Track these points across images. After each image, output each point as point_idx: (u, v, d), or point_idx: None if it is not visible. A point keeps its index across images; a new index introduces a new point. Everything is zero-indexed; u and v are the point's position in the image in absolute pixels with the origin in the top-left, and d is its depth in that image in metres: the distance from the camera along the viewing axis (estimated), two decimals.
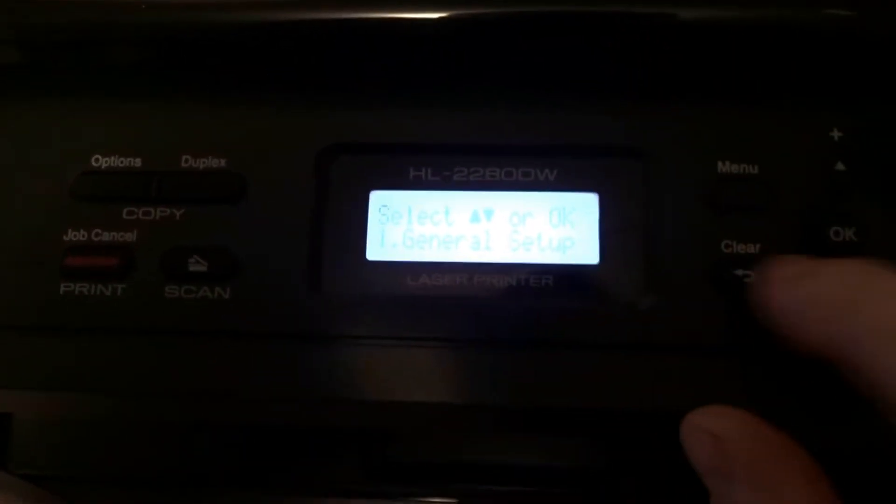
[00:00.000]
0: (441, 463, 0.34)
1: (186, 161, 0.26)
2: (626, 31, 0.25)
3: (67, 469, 0.35)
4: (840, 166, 0.24)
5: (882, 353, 0.18)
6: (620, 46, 0.26)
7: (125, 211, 0.26)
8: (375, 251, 0.26)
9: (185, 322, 0.25)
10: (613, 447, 0.34)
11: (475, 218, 0.26)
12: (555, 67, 0.26)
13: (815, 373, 0.21)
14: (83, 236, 0.26)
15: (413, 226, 0.26)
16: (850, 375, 0.19)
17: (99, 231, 0.26)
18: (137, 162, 0.26)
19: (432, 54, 0.26)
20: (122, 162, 0.26)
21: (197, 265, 0.25)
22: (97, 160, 0.26)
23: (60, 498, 0.38)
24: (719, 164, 0.25)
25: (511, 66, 0.26)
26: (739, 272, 0.24)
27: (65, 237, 0.26)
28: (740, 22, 0.24)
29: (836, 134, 0.25)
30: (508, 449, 0.35)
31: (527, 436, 0.33)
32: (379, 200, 0.26)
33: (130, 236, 0.26)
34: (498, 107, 0.26)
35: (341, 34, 0.25)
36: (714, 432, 0.20)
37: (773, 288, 0.21)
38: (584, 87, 0.26)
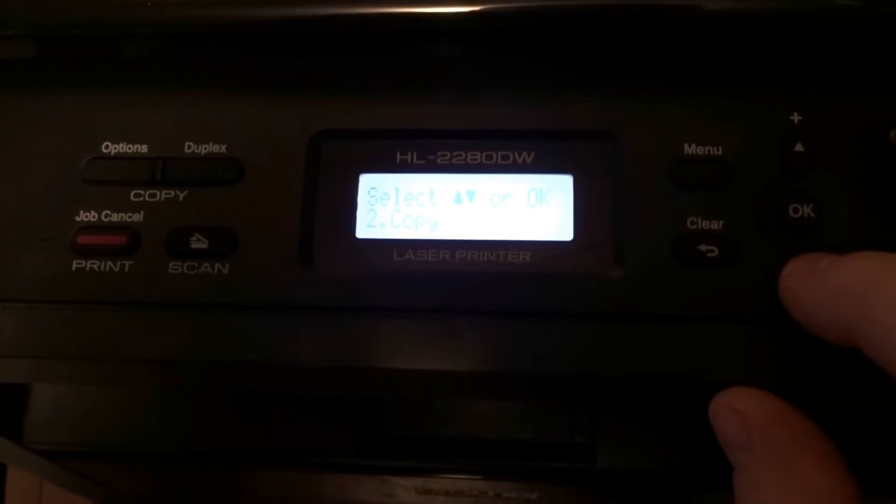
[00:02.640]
0: (433, 437, 0.35)
1: (189, 147, 0.28)
2: (609, 23, 0.27)
3: (82, 445, 0.37)
4: (799, 147, 0.26)
5: None
6: (599, 39, 0.27)
7: (132, 193, 0.28)
8: (364, 230, 0.27)
9: (187, 295, 0.27)
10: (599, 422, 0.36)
11: (458, 199, 0.27)
12: (533, 58, 0.28)
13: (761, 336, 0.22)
14: (93, 217, 0.28)
15: (400, 206, 0.27)
16: (873, 355, 0.20)
17: (108, 212, 0.28)
18: (144, 148, 0.28)
19: (419, 47, 0.28)
20: (129, 148, 0.28)
21: (198, 243, 0.27)
22: (107, 146, 0.28)
23: (74, 473, 0.40)
24: (685, 146, 0.26)
25: (492, 58, 0.28)
26: (703, 247, 0.25)
27: (76, 217, 0.28)
28: (737, 14, 0.26)
29: (795, 117, 0.26)
30: (502, 424, 0.36)
31: (515, 410, 0.35)
32: (368, 183, 0.28)
33: (137, 217, 0.27)
34: (479, 95, 0.28)
35: (333, 29, 0.27)
36: (740, 410, 0.22)
37: (800, 280, 0.23)
38: (559, 75, 0.28)
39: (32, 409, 0.37)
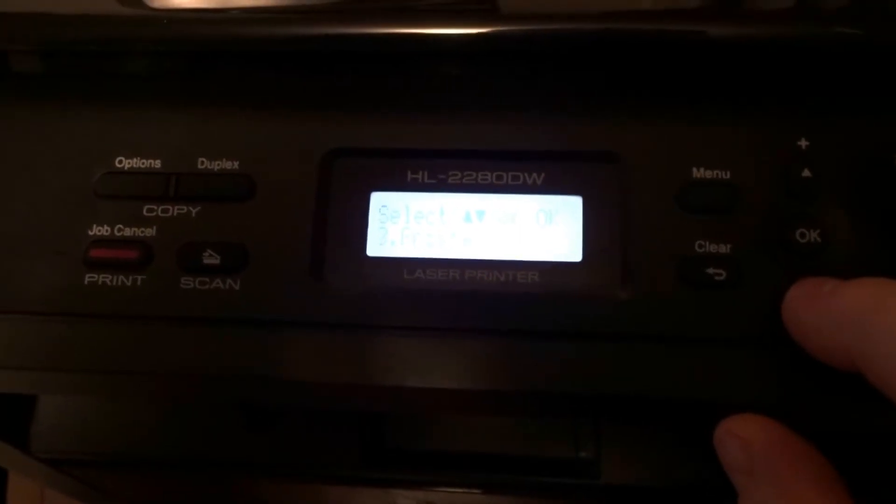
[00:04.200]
0: (436, 450, 0.36)
1: (202, 163, 0.28)
2: (616, 48, 0.27)
3: (87, 453, 0.38)
4: (806, 173, 0.26)
5: None
6: (607, 62, 0.28)
7: (145, 208, 0.28)
8: (375, 247, 0.28)
9: (198, 310, 0.27)
10: (603, 438, 0.36)
11: (467, 218, 0.28)
12: (543, 80, 0.28)
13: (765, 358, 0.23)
14: (107, 231, 0.28)
15: (410, 224, 0.28)
16: (874, 380, 0.21)
17: (121, 226, 0.28)
18: (157, 163, 0.28)
19: (430, 68, 0.28)
20: (143, 163, 0.28)
21: (210, 258, 0.27)
22: (120, 161, 0.28)
23: (79, 481, 0.40)
24: (693, 169, 0.27)
25: (503, 79, 0.28)
26: (710, 270, 0.26)
27: (90, 231, 0.28)
28: (738, 39, 0.26)
29: (803, 143, 0.27)
30: (506, 438, 0.36)
31: (519, 425, 0.35)
32: (379, 201, 0.28)
33: (150, 231, 0.28)
34: (489, 115, 0.28)
35: (345, 49, 0.27)
36: (742, 436, 0.23)
37: (803, 304, 0.24)
38: (569, 97, 0.28)
39: (38, 417, 0.37)
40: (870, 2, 0.29)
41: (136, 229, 0.28)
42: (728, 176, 0.26)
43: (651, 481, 0.36)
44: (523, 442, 0.36)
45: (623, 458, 0.36)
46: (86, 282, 0.27)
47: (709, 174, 0.26)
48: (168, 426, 0.37)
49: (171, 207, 0.28)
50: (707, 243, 0.26)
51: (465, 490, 0.39)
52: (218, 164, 0.28)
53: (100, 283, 0.27)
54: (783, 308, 0.25)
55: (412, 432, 0.36)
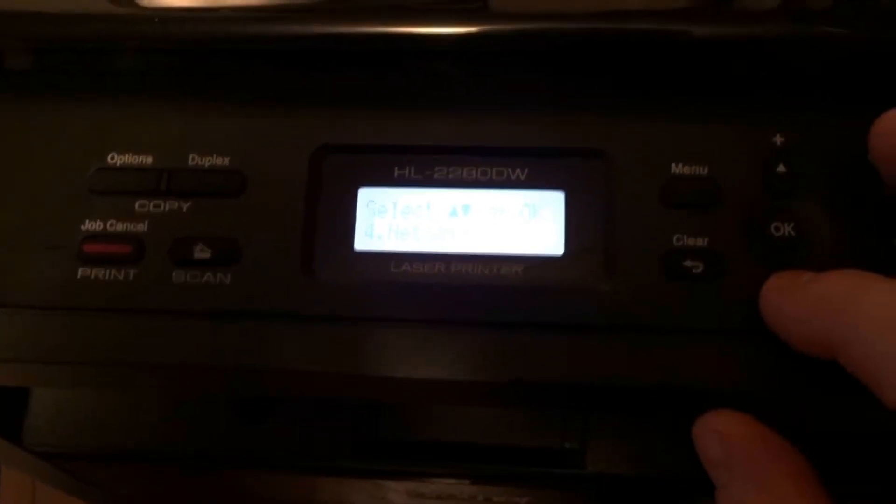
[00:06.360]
0: (425, 442, 0.36)
1: (193, 159, 0.29)
2: (602, 47, 0.28)
3: (80, 447, 0.38)
4: (782, 168, 0.27)
5: (876, 340, 0.20)
6: (592, 60, 0.29)
7: (137, 203, 0.28)
8: (363, 242, 0.28)
9: (190, 304, 0.27)
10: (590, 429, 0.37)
11: (454, 213, 0.28)
12: (528, 78, 0.29)
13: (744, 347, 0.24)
14: (99, 226, 0.28)
15: (397, 219, 0.28)
16: (851, 368, 0.21)
17: (113, 221, 0.28)
18: (149, 160, 0.29)
19: (417, 65, 0.29)
20: (135, 159, 0.29)
21: (201, 253, 0.28)
22: (112, 157, 0.29)
23: (72, 476, 0.40)
24: (673, 165, 0.27)
25: (488, 77, 0.29)
26: (688, 262, 0.26)
27: (83, 226, 0.28)
28: (724, 39, 0.27)
29: (778, 139, 0.27)
30: (493, 429, 0.37)
31: (506, 415, 0.36)
32: (367, 196, 0.29)
33: (142, 226, 0.28)
34: (475, 112, 0.29)
35: (333, 47, 0.28)
36: (721, 431, 0.24)
37: (780, 295, 0.24)
38: (553, 94, 0.29)
39: (31, 410, 0.37)
40: (847, 2, 0.30)
41: (128, 224, 0.28)
42: (706, 171, 0.27)
43: (637, 471, 0.37)
44: (511, 432, 0.36)
45: (609, 448, 0.37)
46: (79, 276, 0.28)
47: (688, 170, 0.27)
48: (160, 419, 0.37)
49: (162, 203, 0.28)
50: (686, 237, 0.27)
51: (455, 481, 0.40)
52: (208, 160, 0.29)
53: (93, 277, 0.28)
54: (761, 298, 0.25)
55: (402, 424, 0.37)
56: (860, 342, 0.21)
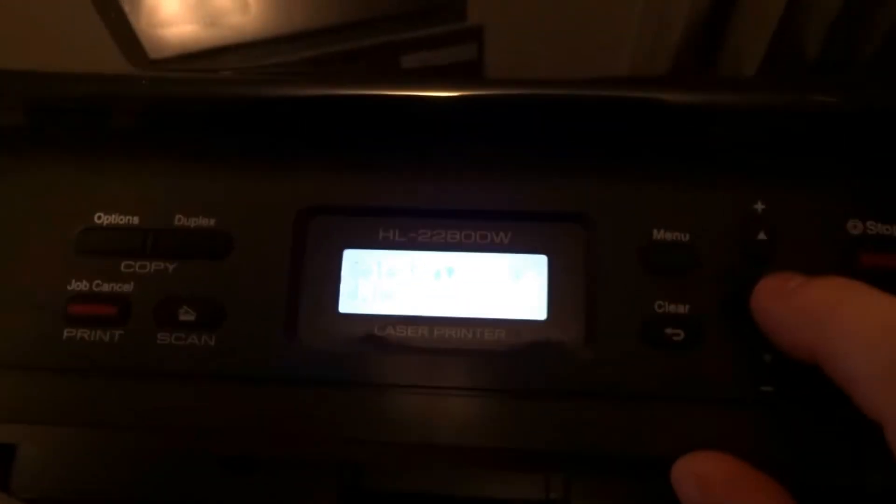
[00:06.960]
0: (410, 493, 0.36)
1: (179, 220, 0.29)
2: (579, 113, 0.28)
3: (69, 494, 0.38)
4: (762, 235, 0.27)
5: (854, 353, 0.21)
6: (582, 127, 0.29)
7: (123, 264, 0.29)
8: (347, 304, 0.28)
9: (174, 366, 0.27)
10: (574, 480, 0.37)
11: (437, 275, 0.29)
12: (512, 144, 0.29)
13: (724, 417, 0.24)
14: (85, 286, 0.28)
15: (382, 281, 0.29)
16: (832, 375, 0.22)
17: (99, 282, 0.28)
18: (135, 220, 0.29)
19: (403, 130, 0.29)
20: (121, 219, 0.29)
21: (186, 314, 0.28)
22: (99, 217, 0.29)
23: None
24: (654, 231, 0.28)
25: (473, 141, 0.29)
26: (669, 330, 0.27)
27: (69, 286, 0.28)
28: (692, 106, 0.27)
29: (759, 206, 0.28)
30: (478, 481, 0.37)
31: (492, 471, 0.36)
32: (351, 258, 0.29)
33: (127, 287, 0.28)
34: (459, 176, 0.29)
35: (319, 110, 0.28)
36: (699, 473, 0.24)
37: (769, 299, 0.25)
38: (536, 159, 0.29)
39: (19, 459, 0.37)
40: (824, 70, 0.30)
41: (114, 285, 0.28)
42: (687, 238, 0.27)
43: None
44: (496, 484, 0.37)
45: (593, 497, 0.37)
46: (64, 336, 0.28)
47: (669, 236, 0.27)
48: (146, 468, 0.38)
49: (148, 263, 0.29)
50: (667, 304, 0.27)
51: None
52: (194, 221, 0.29)
53: (78, 337, 0.28)
54: (752, 300, 0.26)
55: (388, 475, 0.37)
56: (840, 356, 0.21)
